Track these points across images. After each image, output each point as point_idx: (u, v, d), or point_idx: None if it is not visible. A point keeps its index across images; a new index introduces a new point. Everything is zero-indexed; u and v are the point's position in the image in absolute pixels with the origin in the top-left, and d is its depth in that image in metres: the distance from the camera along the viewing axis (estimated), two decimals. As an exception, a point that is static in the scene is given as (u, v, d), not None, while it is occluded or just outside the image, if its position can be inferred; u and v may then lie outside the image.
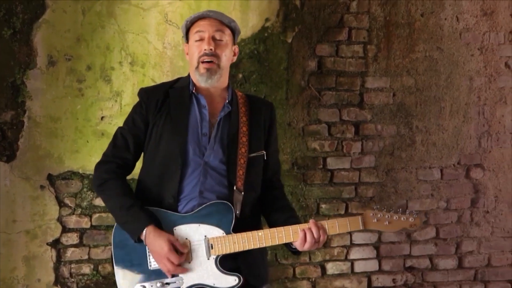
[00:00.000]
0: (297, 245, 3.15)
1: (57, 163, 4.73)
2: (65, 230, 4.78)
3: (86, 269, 4.82)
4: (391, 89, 5.26)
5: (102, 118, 4.78)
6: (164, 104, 3.30)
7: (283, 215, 3.29)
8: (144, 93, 3.37)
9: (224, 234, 3.12)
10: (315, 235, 3.10)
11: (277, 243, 3.14)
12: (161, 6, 4.84)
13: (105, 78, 4.77)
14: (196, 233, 3.14)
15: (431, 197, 5.37)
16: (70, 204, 4.78)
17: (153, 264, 3.15)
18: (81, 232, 4.81)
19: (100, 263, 4.83)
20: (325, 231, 3.13)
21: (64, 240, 4.78)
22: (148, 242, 3.12)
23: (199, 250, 3.13)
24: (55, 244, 4.77)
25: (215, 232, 3.13)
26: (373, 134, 5.24)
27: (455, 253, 5.46)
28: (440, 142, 5.36)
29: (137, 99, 3.40)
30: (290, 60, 5.07)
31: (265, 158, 3.34)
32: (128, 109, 3.43)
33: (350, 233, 5.25)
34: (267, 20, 5.01)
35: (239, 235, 3.12)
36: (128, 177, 3.35)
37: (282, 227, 3.15)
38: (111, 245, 3.26)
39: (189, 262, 3.13)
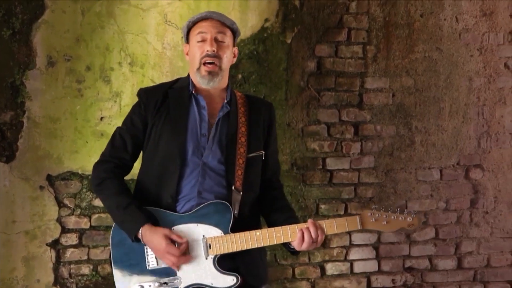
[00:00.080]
0: (295, 245, 3.14)
1: (56, 164, 4.74)
2: (65, 230, 4.79)
3: (86, 269, 4.82)
4: (390, 89, 5.27)
5: (101, 118, 4.78)
6: (163, 104, 3.30)
7: (282, 216, 3.28)
8: (143, 93, 3.37)
9: (222, 234, 3.12)
10: (313, 235, 3.10)
11: (275, 243, 3.14)
12: (161, 7, 4.84)
13: (104, 79, 4.77)
14: (195, 232, 3.14)
15: (430, 198, 5.37)
16: (69, 205, 4.78)
17: (151, 263, 3.16)
18: (81, 232, 4.81)
19: (100, 263, 4.84)
20: (323, 231, 3.13)
21: (63, 240, 4.78)
22: (146, 240, 3.13)
23: (197, 249, 3.13)
24: (55, 244, 4.77)
25: (213, 232, 3.13)
26: (373, 135, 5.24)
27: (454, 253, 5.46)
28: (440, 143, 5.36)
29: (136, 100, 3.39)
30: (290, 61, 5.07)
31: (264, 159, 3.34)
32: (128, 110, 3.43)
33: (350, 234, 5.25)
34: (266, 20, 5.02)
35: (237, 235, 3.12)
36: (128, 178, 3.36)
37: (280, 227, 3.15)
38: (109, 244, 3.26)
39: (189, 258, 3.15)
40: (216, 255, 3.12)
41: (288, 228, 3.14)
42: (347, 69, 5.19)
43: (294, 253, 3.26)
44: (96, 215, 4.81)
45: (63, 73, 4.71)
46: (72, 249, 4.80)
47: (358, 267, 5.30)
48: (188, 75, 3.38)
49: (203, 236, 3.13)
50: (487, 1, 5.39)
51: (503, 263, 5.54)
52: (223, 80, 3.32)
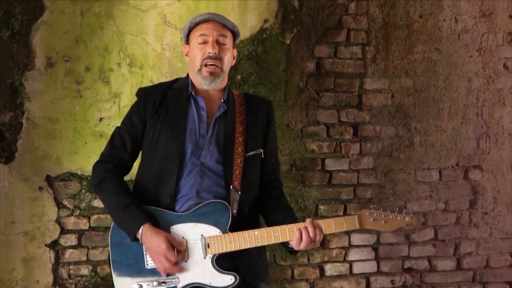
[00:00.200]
0: (294, 244, 3.14)
1: (55, 165, 4.74)
2: (64, 231, 4.79)
3: (85, 270, 4.82)
4: (389, 90, 5.27)
5: (100, 119, 4.78)
6: (162, 104, 3.31)
7: (280, 215, 3.29)
8: (142, 92, 3.38)
9: (221, 233, 3.13)
10: (311, 235, 3.10)
11: (273, 242, 3.15)
12: (160, 8, 4.84)
13: (103, 80, 4.77)
14: (193, 232, 3.14)
15: (429, 199, 5.37)
16: (68, 206, 4.78)
17: (150, 263, 3.16)
18: (80, 233, 4.81)
19: (99, 264, 4.84)
20: (321, 231, 3.14)
21: (62, 241, 4.78)
22: (145, 240, 3.13)
23: (196, 249, 3.14)
24: (54, 245, 4.77)
25: (211, 231, 3.14)
26: (372, 136, 5.24)
27: (453, 254, 5.46)
28: (439, 144, 5.36)
29: (135, 100, 3.40)
30: (289, 62, 5.07)
31: (262, 156, 3.35)
32: (127, 111, 3.43)
33: (349, 235, 5.26)
34: (265, 21, 5.02)
35: (235, 234, 3.12)
36: (127, 179, 3.36)
37: (278, 226, 3.15)
38: (108, 244, 3.27)
39: (186, 261, 3.14)
40: (214, 255, 3.12)
41: (287, 228, 3.14)
42: (346, 70, 5.19)
43: (293, 252, 3.26)
44: (95, 216, 4.81)
45: (62, 74, 4.71)
46: (71, 250, 4.80)
47: (357, 268, 5.30)
48: (187, 75, 3.39)
49: (202, 235, 3.14)
50: (486, 2, 5.39)
51: (502, 264, 5.54)
52: (223, 81, 3.33)
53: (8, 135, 4.65)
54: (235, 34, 3.38)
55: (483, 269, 5.51)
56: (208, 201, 3.17)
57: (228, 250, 3.12)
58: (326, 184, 5.20)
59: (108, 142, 3.37)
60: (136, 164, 3.41)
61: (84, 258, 4.82)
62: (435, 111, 5.34)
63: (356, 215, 3.19)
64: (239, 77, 4.96)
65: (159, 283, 3.14)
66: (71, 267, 4.80)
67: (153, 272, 3.15)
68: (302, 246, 3.12)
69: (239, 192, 3.21)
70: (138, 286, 3.15)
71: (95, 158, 3.37)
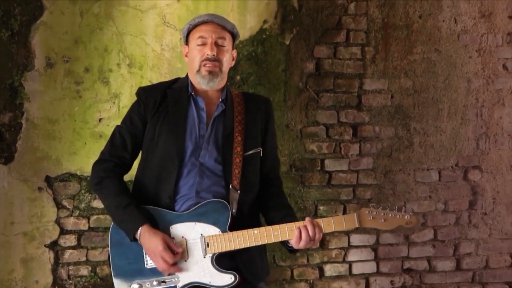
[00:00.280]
0: (293, 243, 3.14)
1: (55, 165, 4.73)
2: (63, 232, 4.78)
3: (84, 271, 4.82)
4: (389, 91, 5.27)
5: (100, 120, 4.78)
6: (162, 104, 3.31)
7: (280, 214, 3.29)
8: (142, 92, 3.38)
9: (220, 233, 3.13)
10: (311, 233, 3.10)
11: (273, 241, 3.15)
12: (159, 8, 4.84)
13: (103, 80, 4.77)
14: (192, 231, 3.15)
15: (429, 199, 5.37)
16: (68, 206, 4.78)
17: (149, 262, 3.16)
18: (79, 234, 4.81)
19: (98, 265, 4.83)
20: (321, 229, 3.14)
21: (62, 242, 4.78)
22: (143, 241, 3.13)
23: (195, 248, 3.14)
24: (53, 246, 4.77)
25: (211, 230, 3.14)
26: (371, 136, 5.24)
27: (453, 255, 5.46)
28: (438, 144, 5.36)
29: (135, 100, 3.40)
30: (288, 62, 5.07)
31: (262, 155, 3.35)
32: (126, 111, 3.43)
33: (348, 235, 5.26)
34: (265, 22, 5.02)
35: (235, 233, 3.12)
36: (126, 179, 3.35)
37: (278, 225, 3.15)
38: (108, 247, 3.27)
39: (185, 261, 3.14)
40: (214, 254, 3.13)
41: (286, 227, 3.14)
42: (346, 71, 5.19)
43: (292, 251, 3.27)
44: (95, 217, 4.81)
45: (61, 75, 4.71)
46: (70, 251, 4.80)
47: (357, 269, 5.30)
48: (187, 75, 3.39)
49: (201, 234, 3.14)
50: (485, 2, 5.39)
51: (501, 265, 5.54)
52: (222, 82, 3.33)
53: (7, 135, 4.65)
54: (234, 36, 3.38)
55: (482, 270, 5.51)
56: (207, 201, 3.17)
57: (228, 249, 3.12)
58: (326, 185, 5.20)
59: (108, 141, 3.37)
60: (135, 164, 3.41)
61: (84, 259, 4.82)
62: (435, 112, 5.34)
63: (355, 213, 3.19)
64: (238, 77, 4.96)
65: (159, 283, 3.14)
66: (70, 267, 4.80)
67: (153, 271, 3.16)
68: (302, 244, 3.12)
69: (239, 192, 3.21)
70: (138, 286, 3.15)
71: (94, 158, 3.36)
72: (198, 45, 3.27)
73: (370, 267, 5.31)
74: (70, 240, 4.79)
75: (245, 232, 3.12)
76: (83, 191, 4.78)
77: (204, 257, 3.13)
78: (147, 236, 3.11)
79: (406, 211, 3.21)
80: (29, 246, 4.72)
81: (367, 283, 5.31)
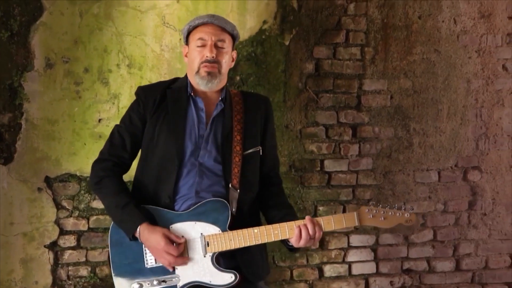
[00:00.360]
0: (293, 241, 3.14)
1: (54, 166, 4.73)
2: (63, 232, 4.78)
3: (84, 271, 4.82)
4: (388, 91, 5.27)
5: (99, 120, 4.78)
6: (162, 104, 3.31)
7: (280, 212, 3.30)
8: (142, 91, 3.38)
9: (220, 232, 3.13)
10: (311, 232, 3.11)
11: (273, 240, 3.15)
12: (159, 9, 4.84)
13: (102, 81, 4.77)
14: (192, 231, 3.15)
15: (428, 200, 5.37)
16: (67, 207, 4.78)
17: (149, 262, 3.16)
18: (79, 234, 4.81)
19: (98, 265, 4.83)
20: (321, 228, 3.14)
21: (61, 242, 4.78)
22: (143, 239, 3.13)
23: (196, 247, 3.14)
24: (53, 246, 4.77)
25: (211, 229, 3.14)
26: (371, 137, 5.24)
27: (452, 255, 5.46)
28: (438, 145, 5.36)
29: (134, 99, 3.40)
30: (288, 63, 5.07)
31: (261, 154, 3.36)
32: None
33: (348, 236, 5.26)
34: (264, 22, 5.02)
35: (235, 232, 3.13)
36: (126, 180, 3.35)
37: (278, 224, 3.15)
38: (108, 247, 3.27)
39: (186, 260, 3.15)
40: (214, 253, 3.13)
41: (286, 225, 3.14)
42: (345, 71, 5.19)
43: (292, 250, 3.27)
44: (94, 217, 4.81)
45: (61, 75, 4.71)
46: (70, 251, 4.80)
47: (356, 269, 5.30)
48: (186, 76, 3.39)
49: (201, 234, 3.14)
50: (485, 3, 5.39)
51: (501, 265, 5.54)
52: (220, 83, 3.33)
53: (7, 136, 4.65)
54: (234, 37, 3.38)
55: (482, 270, 5.51)
56: (207, 200, 3.17)
57: (228, 248, 3.12)
58: (325, 185, 5.20)
59: (107, 140, 3.37)
60: (134, 165, 3.41)
61: (83, 259, 4.82)
62: (434, 112, 5.34)
63: (355, 212, 3.19)
64: (238, 78, 4.96)
65: (159, 282, 3.15)
66: (70, 268, 4.80)
67: (153, 271, 3.16)
68: (302, 243, 3.12)
69: (238, 191, 3.21)
70: (138, 286, 3.15)
71: (94, 159, 3.36)
72: (198, 46, 3.28)
73: (370, 268, 5.31)
74: (70, 240, 4.79)
75: (245, 231, 3.13)
76: (82, 192, 4.78)
77: (204, 256, 3.13)
78: (146, 234, 3.12)
79: (406, 209, 3.21)
80: (28, 247, 4.72)
81: (366, 284, 5.31)
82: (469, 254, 5.48)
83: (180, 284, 3.13)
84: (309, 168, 5.15)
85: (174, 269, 3.14)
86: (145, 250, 3.18)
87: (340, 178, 5.21)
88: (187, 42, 3.38)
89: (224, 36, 3.30)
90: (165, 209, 3.19)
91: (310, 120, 5.13)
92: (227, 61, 3.32)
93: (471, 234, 5.47)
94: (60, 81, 4.71)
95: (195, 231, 3.14)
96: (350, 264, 5.28)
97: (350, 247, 5.28)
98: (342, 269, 5.26)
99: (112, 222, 3.25)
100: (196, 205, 3.16)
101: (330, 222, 3.16)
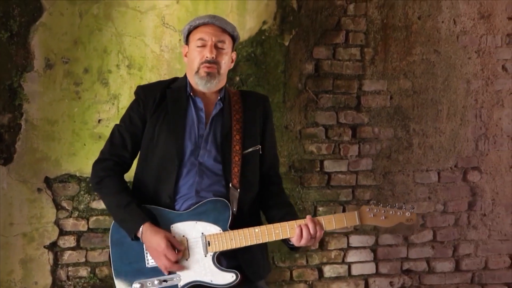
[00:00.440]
0: (294, 241, 3.15)
1: (54, 166, 4.73)
2: (62, 233, 4.78)
3: (83, 272, 4.82)
4: (388, 92, 5.27)
5: (99, 121, 4.78)
6: (162, 103, 3.31)
7: (281, 212, 3.30)
8: (141, 90, 3.38)
9: (221, 231, 3.14)
10: (312, 231, 3.11)
11: (274, 239, 3.15)
12: (159, 9, 4.83)
13: (102, 81, 4.77)
14: (193, 230, 3.15)
15: (428, 200, 5.37)
16: (67, 207, 4.77)
17: (150, 261, 3.17)
18: (78, 235, 4.81)
19: (97, 266, 4.83)
20: (322, 227, 3.14)
21: (61, 243, 4.78)
22: (145, 239, 3.14)
23: (196, 247, 3.14)
24: (52, 247, 4.76)
25: (212, 229, 3.14)
26: (370, 137, 5.24)
27: (452, 256, 5.46)
28: (437, 145, 5.36)
29: (134, 98, 3.40)
30: (287, 63, 5.07)
31: (261, 152, 3.36)
32: (125, 111, 3.44)
33: (347, 236, 5.26)
34: (264, 23, 5.02)
35: (236, 231, 3.13)
36: (126, 180, 3.35)
37: (279, 224, 3.15)
38: (108, 248, 3.27)
39: (187, 260, 3.15)
40: (215, 252, 3.13)
41: (287, 225, 3.14)
42: (345, 72, 5.19)
43: (293, 249, 3.27)
44: (94, 218, 4.81)
45: (61, 76, 4.70)
46: (70, 252, 4.79)
47: (356, 270, 5.30)
48: (185, 76, 3.40)
49: (202, 233, 3.14)
50: (485, 3, 5.39)
51: (501, 266, 5.54)
52: (219, 83, 3.33)
53: (6, 136, 4.64)
54: (234, 38, 3.38)
55: (481, 271, 5.51)
56: (207, 199, 3.17)
57: (229, 247, 3.13)
58: (325, 186, 5.20)
59: (107, 140, 3.37)
60: (133, 165, 3.41)
61: (83, 260, 4.81)
62: (434, 113, 5.34)
63: (356, 211, 3.19)
64: (237, 78, 4.96)
65: (160, 282, 3.15)
66: (69, 268, 4.79)
67: (154, 270, 3.16)
68: (303, 242, 3.13)
69: (238, 190, 3.22)
70: (139, 285, 3.15)
71: (93, 159, 3.36)
72: (198, 46, 3.28)
73: (369, 268, 5.31)
74: (70, 241, 4.79)
75: (246, 230, 3.13)
76: (82, 192, 4.78)
77: (205, 256, 3.13)
78: (148, 235, 3.12)
79: (406, 208, 3.21)
80: (28, 247, 4.71)
81: (366, 284, 5.31)
82: (469, 255, 5.48)
83: (181, 283, 3.14)
84: (308, 169, 5.15)
85: (167, 273, 3.15)
86: (146, 250, 3.18)
87: (339, 179, 5.22)
88: (186, 42, 3.38)
89: (224, 37, 3.31)
90: (166, 209, 3.19)
91: (309, 121, 5.13)
92: (226, 62, 3.33)
93: (470, 234, 5.47)
94: (60, 82, 4.71)
95: (196, 230, 3.14)
96: (349, 264, 5.28)
97: (349, 247, 5.28)
98: (341, 269, 5.26)
99: (113, 222, 3.25)
100: (197, 205, 3.17)
101: (331, 222, 3.16)
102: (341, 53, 5.18)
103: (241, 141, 3.29)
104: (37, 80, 4.66)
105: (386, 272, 5.33)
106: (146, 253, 3.17)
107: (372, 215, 3.19)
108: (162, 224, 3.16)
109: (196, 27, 3.32)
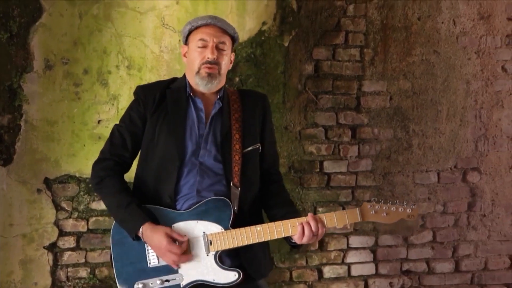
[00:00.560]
0: (296, 239, 3.16)
1: (53, 167, 4.73)
2: (62, 233, 4.78)
3: (83, 272, 4.81)
4: (388, 92, 5.27)
5: (99, 121, 4.78)
6: (162, 103, 3.32)
7: (282, 210, 3.31)
8: (141, 90, 3.38)
9: (223, 230, 3.14)
10: (313, 229, 3.12)
11: (276, 237, 3.16)
12: (158, 10, 4.84)
13: (102, 82, 4.77)
14: (195, 229, 3.15)
15: (428, 201, 5.37)
16: (67, 208, 4.77)
17: (152, 261, 3.17)
18: (78, 235, 4.80)
19: (97, 266, 4.82)
20: (323, 224, 3.15)
21: (61, 243, 4.77)
22: (146, 239, 3.14)
23: (198, 246, 3.15)
24: (52, 247, 4.76)
25: (213, 228, 3.15)
26: (370, 138, 5.24)
27: (452, 256, 5.46)
28: (437, 146, 5.36)
29: (134, 99, 3.40)
30: (287, 64, 5.07)
31: (261, 151, 3.37)
32: (125, 111, 3.44)
33: (347, 237, 5.26)
34: (264, 23, 5.02)
35: (237, 230, 3.13)
36: (126, 181, 3.35)
37: (280, 222, 3.16)
38: (108, 248, 3.27)
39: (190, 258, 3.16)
40: (217, 251, 3.14)
41: (289, 223, 3.15)
42: (345, 72, 5.19)
43: (295, 247, 3.28)
44: (94, 218, 4.80)
45: (60, 76, 4.70)
46: (69, 252, 4.79)
47: (356, 270, 5.30)
48: (184, 76, 3.40)
49: (204, 232, 3.15)
50: (484, 4, 5.39)
51: (500, 266, 5.54)
52: (219, 84, 3.34)
53: (6, 137, 4.64)
54: (234, 40, 3.40)
55: (481, 272, 5.51)
56: (208, 199, 3.18)
57: (231, 246, 3.13)
58: (325, 186, 5.19)
59: (107, 140, 3.37)
60: (133, 165, 3.41)
61: (83, 261, 4.81)
62: (434, 114, 5.34)
63: (357, 208, 3.20)
64: (237, 79, 4.96)
65: (162, 282, 3.15)
66: (69, 269, 4.79)
67: (156, 270, 3.16)
68: (305, 240, 3.13)
69: (239, 189, 3.22)
70: (141, 285, 3.15)
71: (93, 160, 3.36)
72: (199, 47, 3.29)
73: (369, 269, 5.31)
74: (69, 242, 4.79)
75: (247, 229, 3.13)
76: (82, 193, 4.78)
77: (207, 255, 3.14)
78: (149, 234, 3.12)
79: (408, 204, 3.21)
80: (28, 248, 4.71)
81: (366, 285, 5.31)
82: (469, 255, 5.48)
83: (184, 283, 3.14)
84: (308, 169, 5.15)
85: (177, 267, 3.15)
86: (147, 250, 3.18)
87: (339, 179, 5.22)
88: (186, 42, 3.39)
89: (225, 38, 3.32)
90: (167, 209, 3.20)
91: (309, 121, 5.13)
92: (226, 63, 3.34)
93: (470, 235, 5.47)
94: (60, 82, 4.71)
95: (198, 230, 3.15)
96: (349, 265, 5.28)
97: (349, 248, 5.28)
98: (341, 270, 5.26)
99: (114, 222, 3.25)
100: (198, 204, 3.17)
101: (332, 219, 3.16)
102: (340, 54, 5.18)
103: (241, 140, 3.29)
104: (36, 81, 4.66)
105: (385, 273, 5.33)
106: (148, 253, 3.18)
107: (373, 212, 3.19)
108: (164, 224, 3.16)
109: (197, 28, 3.33)
